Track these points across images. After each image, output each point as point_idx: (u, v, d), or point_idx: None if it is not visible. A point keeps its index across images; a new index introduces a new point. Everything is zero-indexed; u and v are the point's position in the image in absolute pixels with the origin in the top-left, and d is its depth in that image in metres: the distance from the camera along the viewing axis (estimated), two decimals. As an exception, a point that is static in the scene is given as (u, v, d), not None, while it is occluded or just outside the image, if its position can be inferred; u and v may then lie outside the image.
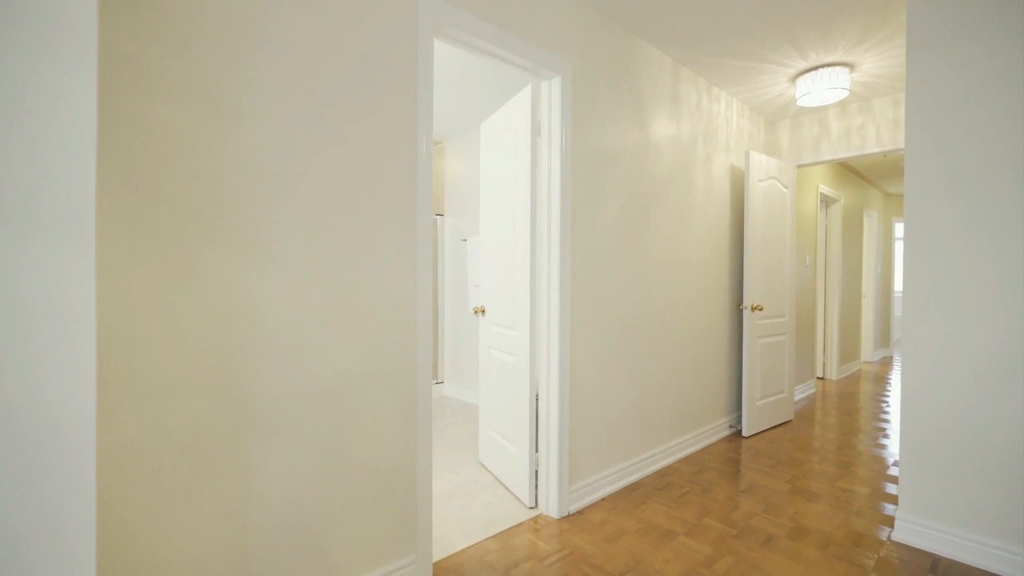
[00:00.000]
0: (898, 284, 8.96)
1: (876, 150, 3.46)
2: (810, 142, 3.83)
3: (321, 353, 1.53)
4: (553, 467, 2.30)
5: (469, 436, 3.39)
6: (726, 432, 3.51)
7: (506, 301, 2.56)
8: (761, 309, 3.45)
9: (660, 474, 2.80)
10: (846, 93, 3.01)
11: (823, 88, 2.95)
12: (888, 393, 4.87)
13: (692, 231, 3.15)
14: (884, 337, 7.17)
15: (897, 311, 9.09)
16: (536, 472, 2.38)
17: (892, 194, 7.25)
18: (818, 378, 5.51)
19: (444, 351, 4.66)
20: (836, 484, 2.65)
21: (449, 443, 3.25)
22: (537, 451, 2.38)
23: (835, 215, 5.41)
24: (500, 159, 2.66)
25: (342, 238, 1.58)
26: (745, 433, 3.44)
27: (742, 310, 3.69)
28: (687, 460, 3.02)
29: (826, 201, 5.31)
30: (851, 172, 5.79)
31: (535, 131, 2.32)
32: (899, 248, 8.79)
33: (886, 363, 6.69)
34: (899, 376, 5.76)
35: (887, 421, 3.86)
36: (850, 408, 4.27)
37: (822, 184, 5.01)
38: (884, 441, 3.38)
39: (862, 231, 6.20)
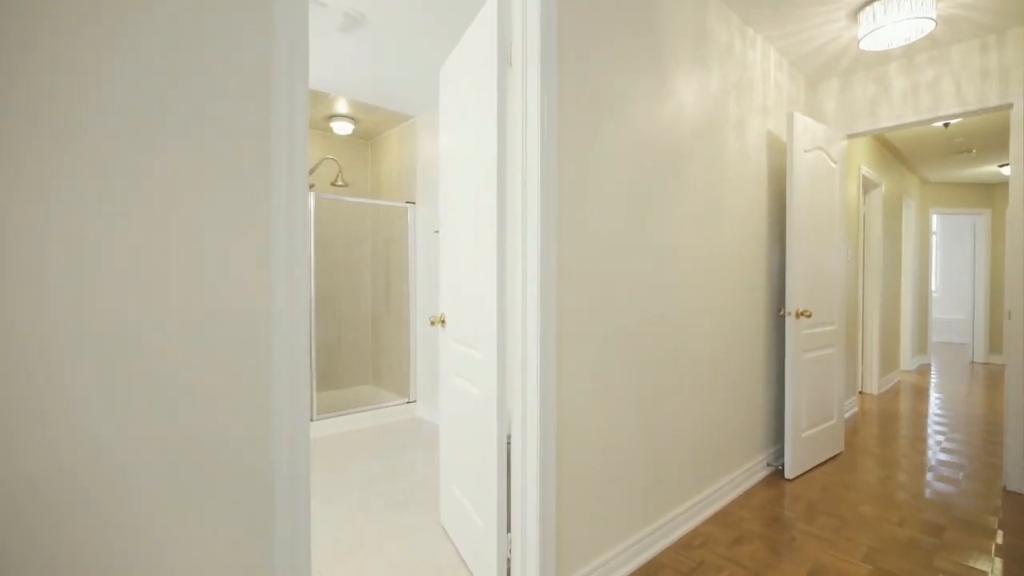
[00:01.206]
0: (934, 283, 8.17)
1: (957, 110, 2.70)
2: (864, 105, 3.07)
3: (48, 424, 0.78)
4: (532, 553, 1.55)
5: (437, 479, 2.65)
6: (764, 472, 2.75)
7: (468, 310, 1.81)
8: (808, 315, 2.69)
9: (685, 545, 2.04)
10: (932, 25, 2.25)
11: (901, 19, 2.19)
12: (941, 412, 4.09)
13: (722, 214, 2.39)
14: (921, 343, 6.39)
15: (935, 313, 8.30)
16: (509, 560, 1.63)
17: (931, 182, 6.48)
18: (859, 392, 4.74)
19: (416, 364, 3.91)
20: (934, 563, 1.89)
21: (409, 488, 2.50)
22: (510, 530, 1.63)
23: (875, 203, 4.65)
24: (459, 113, 1.91)
25: (124, 212, 0.84)
26: (789, 474, 2.68)
27: (783, 316, 2.94)
28: (720, 519, 2.26)
29: (866, 185, 4.54)
30: (891, 153, 5.02)
31: (503, 58, 1.57)
32: (935, 243, 8.00)
33: (924, 372, 5.91)
34: (936, 388, 4.99)
35: (955, 451, 3.10)
36: (905, 433, 3.50)
37: (864, 165, 4.25)
38: (968, 484, 2.61)
39: (901, 223, 5.43)
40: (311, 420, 3.35)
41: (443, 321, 2.04)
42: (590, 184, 1.72)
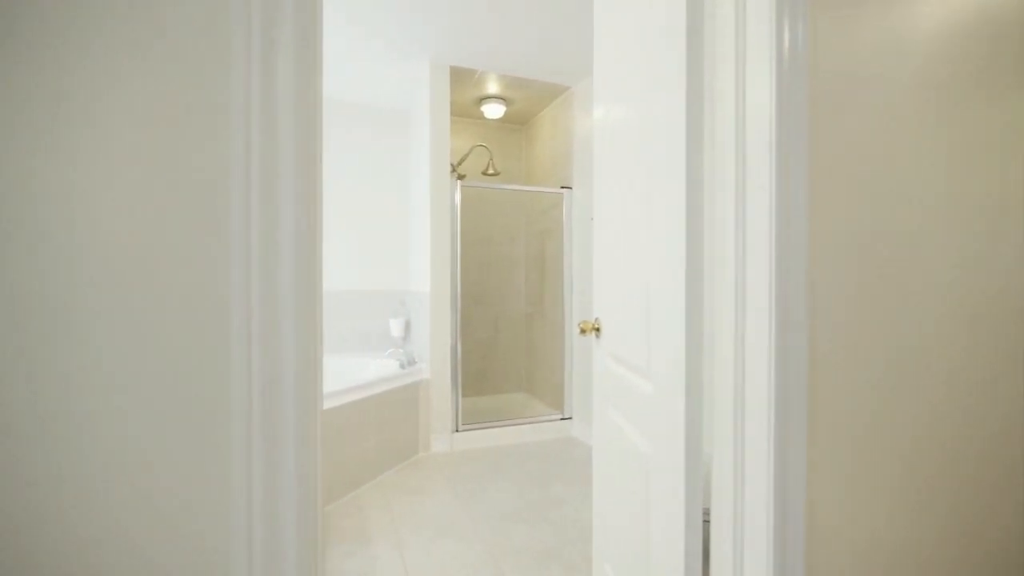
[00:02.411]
0: None
1: None
2: None
3: None
4: None
5: (589, 528, 2.06)
6: None
7: (634, 320, 1.17)
8: None
9: None
10: None
11: None
12: None
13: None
14: None
15: None
16: None
17: None
18: None
19: (571, 375, 3.37)
20: None
21: (554, 532, 1.95)
22: None
23: None
24: (619, 63, 1.28)
25: None
26: None
27: None
28: None
29: None
30: None
31: None
32: None
33: None
34: None
35: None
36: None
37: None
38: None
39: None
40: (454, 431, 3.06)
41: (597, 329, 1.43)
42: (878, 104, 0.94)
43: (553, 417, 3.35)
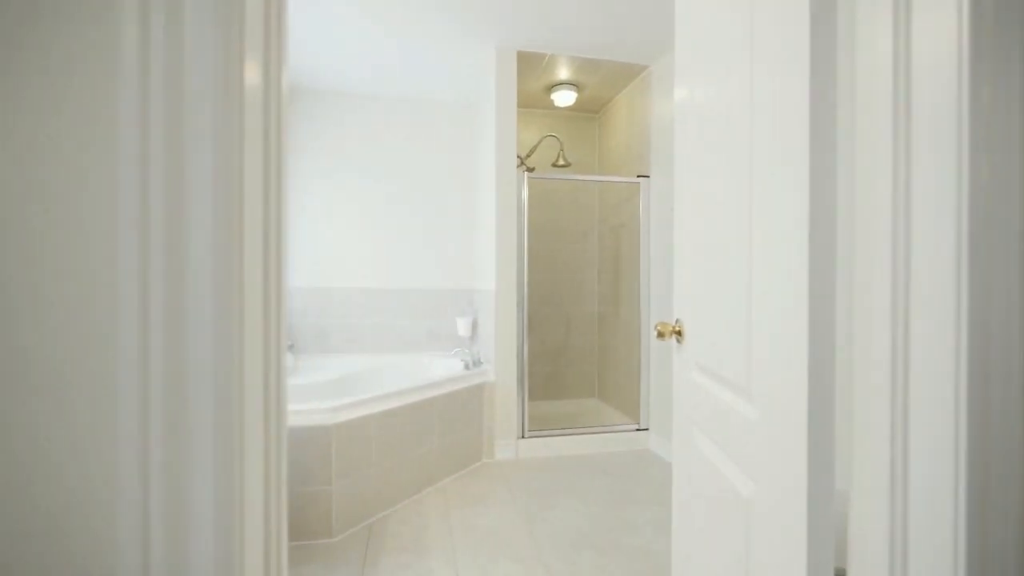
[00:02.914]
0: None
1: None
2: None
3: None
4: None
5: (667, 557, 1.78)
6: None
7: (726, 321, 0.92)
8: None
9: None
10: None
11: None
12: None
13: None
14: None
15: None
16: None
17: None
18: None
19: (649, 382, 3.07)
20: None
21: (627, 562, 1.71)
22: None
23: None
24: (715, 36, 1.03)
25: None
26: None
27: None
28: None
29: None
30: None
31: None
32: None
33: None
34: None
35: None
36: None
37: None
38: None
39: None
40: (520, 438, 2.89)
41: (678, 333, 1.18)
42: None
43: (628, 427, 3.07)
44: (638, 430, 3.06)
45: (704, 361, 1.04)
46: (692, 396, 1.11)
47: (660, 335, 1.19)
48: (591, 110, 3.85)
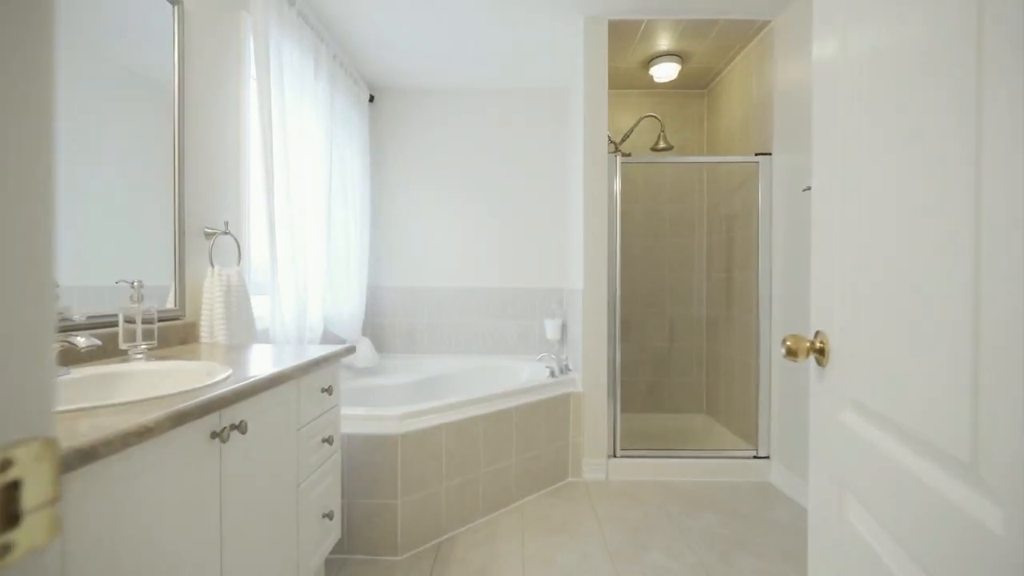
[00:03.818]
0: None
1: None
2: None
3: None
4: None
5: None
6: None
7: (920, 356, 0.56)
8: None
9: None
10: None
11: None
12: None
13: None
14: None
15: None
16: None
17: None
18: None
19: (770, 400, 2.55)
20: None
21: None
22: None
23: None
24: None
25: None
26: None
27: None
28: None
29: None
30: None
31: None
32: None
33: None
34: None
35: None
36: None
37: None
38: None
39: None
40: (611, 456, 2.55)
41: (819, 351, 0.81)
42: None
43: (744, 453, 2.58)
44: (756, 457, 2.55)
45: (869, 399, 0.67)
46: (844, 447, 0.74)
47: (791, 353, 0.82)
48: (697, 85, 3.37)
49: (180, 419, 0.81)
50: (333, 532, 1.56)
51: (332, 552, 1.79)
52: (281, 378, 1.15)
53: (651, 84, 3.29)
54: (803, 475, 2.24)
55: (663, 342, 3.44)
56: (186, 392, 0.91)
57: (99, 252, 1.35)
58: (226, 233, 1.80)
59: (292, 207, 2.09)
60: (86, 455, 0.64)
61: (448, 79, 3.21)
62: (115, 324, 1.30)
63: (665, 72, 3.00)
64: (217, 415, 0.96)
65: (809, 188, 2.09)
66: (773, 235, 2.56)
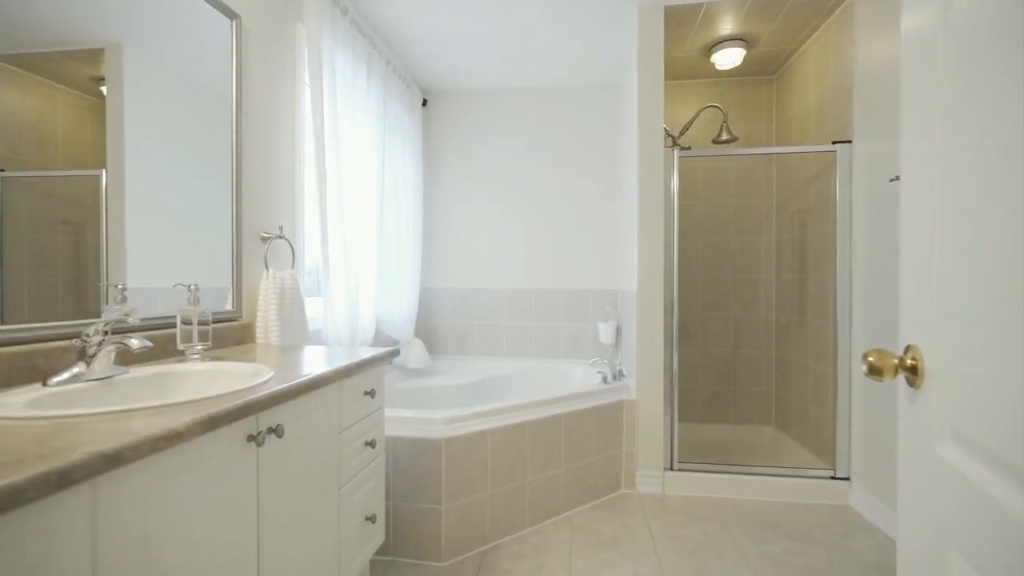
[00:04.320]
0: None
1: None
2: None
3: None
4: None
5: None
6: None
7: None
8: None
9: None
10: None
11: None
12: None
13: None
14: None
15: None
16: None
17: None
18: None
19: (850, 416, 2.29)
20: None
21: None
22: None
23: None
24: None
25: None
26: None
27: None
28: None
29: None
30: None
31: None
32: None
33: None
34: None
35: None
36: None
37: None
38: None
39: None
40: (668, 468, 2.40)
41: (910, 370, 0.67)
42: None
43: (819, 472, 2.34)
44: (834, 478, 2.31)
45: (976, 431, 0.54)
46: (944, 488, 0.61)
47: (874, 372, 0.70)
48: (765, 71, 3.12)
49: (211, 424, 0.81)
50: (377, 535, 1.56)
51: (378, 553, 1.80)
52: (319, 382, 1.15)
53: (713, 72, 3.09)
54: (890, 501, 1.99)
55: (727, 347, 3.22)
56: (222, 396, 0.92)
57: (159, 256, 1.43)
58: (280, 237, 1.86)
59: (344, 211, 2.13)
60: (112, 459, 0.64)
61: (500, 80, 3.18)
62: (169, 326, 1.36)
63: (729, 58, 2.80)
64: (254, 418, 0.97)
65: (897, 178, 1.85)
66: (853, 231, 2.31)
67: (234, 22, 1.67)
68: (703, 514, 2.16)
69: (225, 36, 1.65)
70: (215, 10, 1.60)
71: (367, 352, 1.50)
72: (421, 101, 3.24)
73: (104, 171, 1.26)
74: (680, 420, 3.17)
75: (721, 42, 2.74)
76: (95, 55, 1.24)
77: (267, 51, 1.86)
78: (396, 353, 1.64)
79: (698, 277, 3.24)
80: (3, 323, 1.02)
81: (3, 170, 1.04)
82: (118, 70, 1.30)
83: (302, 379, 1.09)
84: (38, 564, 0.58)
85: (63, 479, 0.58)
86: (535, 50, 2.79)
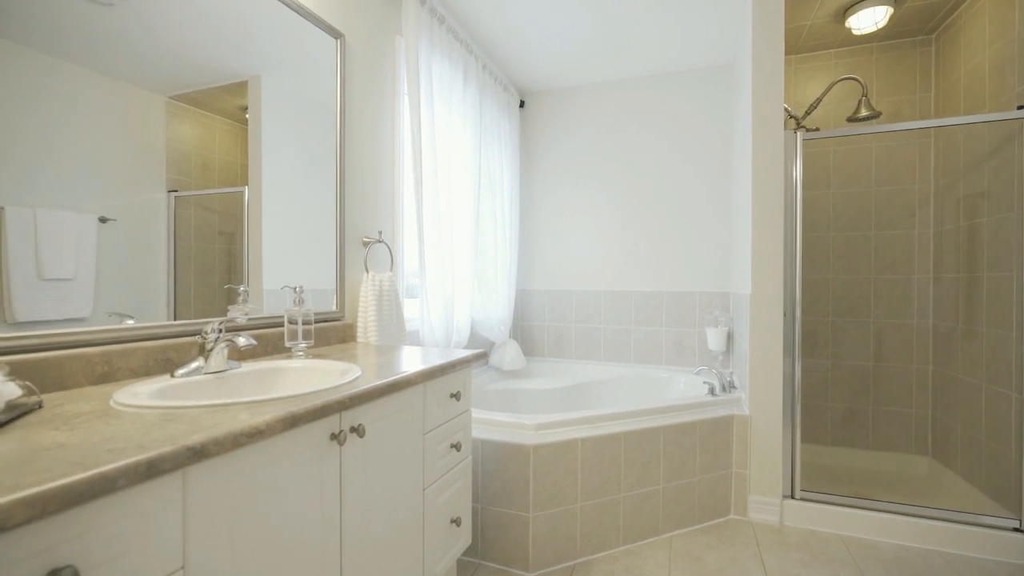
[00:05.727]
0: None
1: None
2: None
3: None
4: None
5: None
6: None
7: None
8: None
9: None
10: None
11: None
12: None
13: None
14: None
15: None
16: None
17: None
18: None
19: (1043, 453, 1.80)
20: None
21: None
22: None
23: None
24: None
25: None
26: None
27: None
28: None
29: None
30: None
31: None
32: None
33: None
34: None
35: None
36: None
37: None
38: None
39: None
40: (787, 496, 2.10)
41: None
42: None
43: (999, 521, 1.88)
44: (1016, 530, 1.84)
45: None
46: None
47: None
48: (919, 31, 2.61)
49: (292, 422, 0.84)
50: (463, 537, 1.56)
51: (465, 554, 1.80)
52: (400, 384, 1.16)
53: (848, 39, 2.66)
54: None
55: (865, 360, 2.75)
56: (305, 395, 0.96)
57: (283, 262, 1.57)
58: (380, 241, 1.96)
59: (441, 214, 2.19)
60: (197, 453, 0.68)
61: (598, 73, 3.06)
62: (275, 325, 1.49)
63: (870, 19, 2.38)
64: (337, 416, 1.00)
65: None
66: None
67: (339, 41, 1.79)
68: (831, 554, 1.85)
69: (331, 55, 1.77)
70: (324, 33, 1.73)
71: (456, 354, 1.50)
72: (519, 103, 3.24)
73: (247, 187, 1.44)
74: (804, 441, 2.79)
75: (859, 1, 2.34)
76: (240, 87, 1.42)
77: (368, 65, 1.97)
78: (481, 357, 1.63)
79: (828, 278, 2.82)
80: (176, 319, 1.22)
81: (176, 191, 1.23)
82: (257, 98, 1.48)
83: (381, 381, 1.11)
84: (134, 545, 0.64)
85: (152, 469, 0.63)
86: (637, 37, 2.63)
